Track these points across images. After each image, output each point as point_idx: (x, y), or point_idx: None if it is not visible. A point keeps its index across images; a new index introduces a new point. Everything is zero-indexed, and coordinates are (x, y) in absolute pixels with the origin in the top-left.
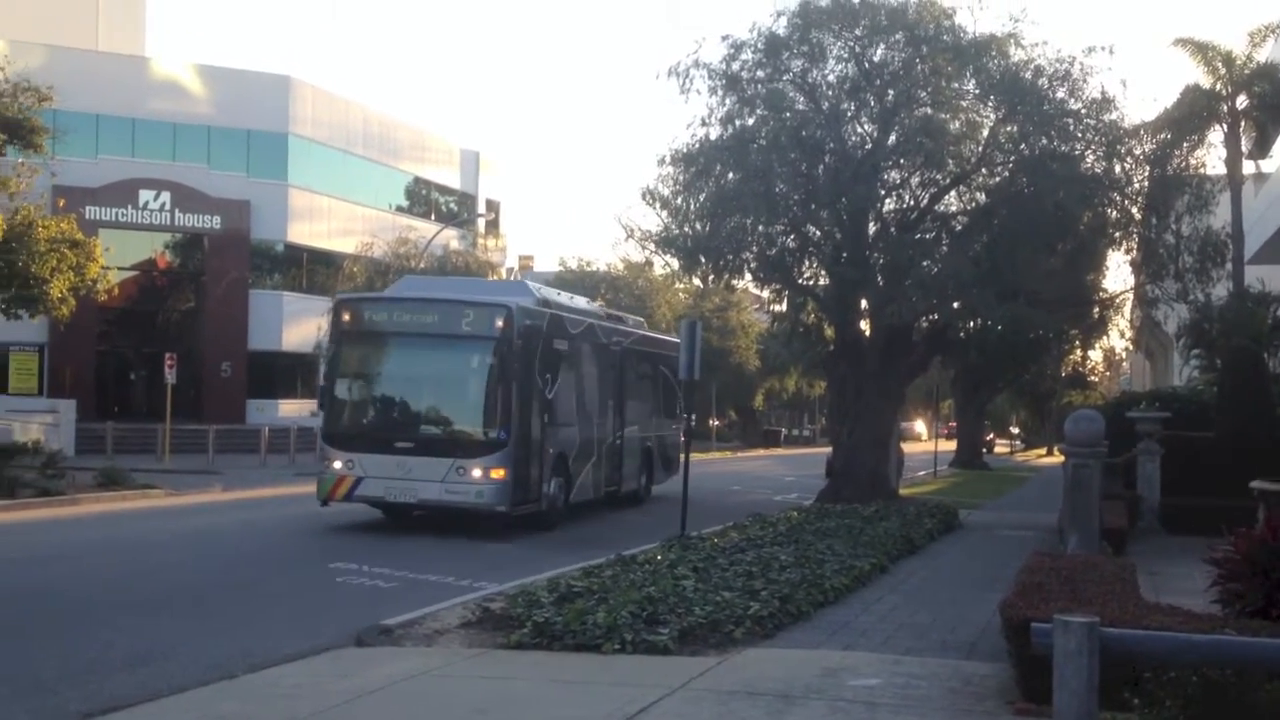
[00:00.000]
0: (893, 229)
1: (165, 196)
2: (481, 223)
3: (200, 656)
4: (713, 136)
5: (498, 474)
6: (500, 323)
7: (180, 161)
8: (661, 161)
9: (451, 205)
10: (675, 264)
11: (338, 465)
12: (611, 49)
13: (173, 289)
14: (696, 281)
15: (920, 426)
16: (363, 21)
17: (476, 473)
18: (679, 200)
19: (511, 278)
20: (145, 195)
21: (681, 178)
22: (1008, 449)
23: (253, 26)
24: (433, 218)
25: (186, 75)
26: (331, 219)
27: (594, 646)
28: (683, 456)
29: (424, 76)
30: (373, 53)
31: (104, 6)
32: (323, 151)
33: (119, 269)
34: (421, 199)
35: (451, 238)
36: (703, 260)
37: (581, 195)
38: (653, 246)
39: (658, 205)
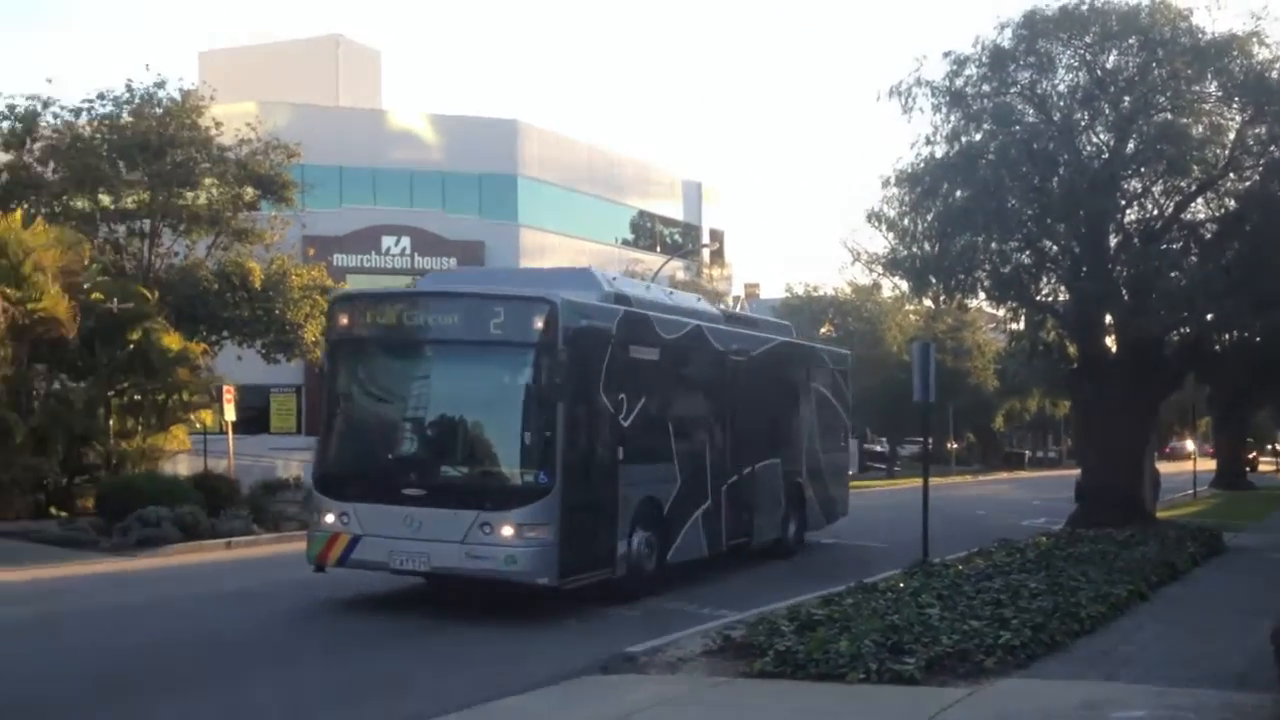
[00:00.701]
0: (1136, 240)
1: (405, 241)
2: (706, 253)
3: (456, 682)
4: (938, 154)
5: (537, 531)
6: (540, 323)
7: (417, 207)
8: (886, 183)
9: (676, 237)
10: (904, 286)
11: (330, 519)
12: (829, 73)
13: None
14: (927, 303)
15: (1191, 445)
16: (585, 60)
17: (507, 530)
18: (905, 221)
19: (737, 307)
20: (387, 241)
21: (907, 198)
22: (1273, 466)
23: (481, 73)
24: (658, 250)
25: (421, 125)
26: (560, 256)
27: (838, 676)
28: (922, 481)
29: (645, 110)
30: (595, 90)
31: (343, 65)
32: (550, 190)
33: None
34: (646, 232)
35: (677, 269)
36: (933, 281)
37: (805, 220)
38: (880, 269)
39: (884, 227)
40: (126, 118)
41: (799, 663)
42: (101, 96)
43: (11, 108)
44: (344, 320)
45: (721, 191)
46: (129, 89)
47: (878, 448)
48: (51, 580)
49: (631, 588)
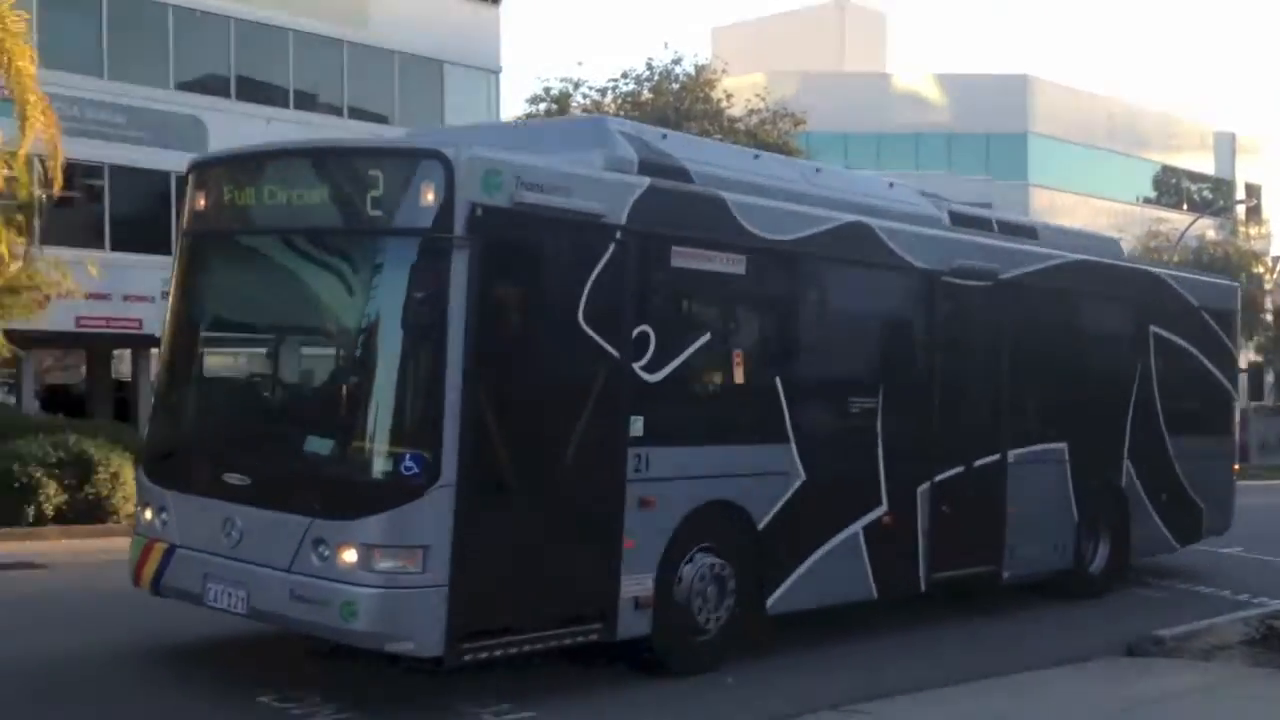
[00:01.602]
0: None
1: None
2: (1241, 209)
3: (977, 653)
4: None
5: (399, 558)
6: (428, 197)
7: (922, 170)
8: None
9: (1205, 193)
10: None
11: (148, 516)
12: None
13: None
14: None
15: None
16: (1098, 5)
17: (348, 554)
18: None
19: (1276, 269)
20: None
21: None
22: None
23: (988, 27)
24: (1184, 208)
25: (926, 86)
26: (1074, 216)
27: None
28: None
29: (1168, 56)
30: (1111, 37)
31: (849, 29)
32: (1063, 148)
33: None
34: (1170, 189)
35: (1207, 228)
36: None
37: None
38: None
39: None
40: (646, 94)
41: None
42: (624, 75)
43: (548, 90)
44: (200, 202)
45: (1259, 142)
46: (649, 67)
47: None
48: None
49: (676, 658)
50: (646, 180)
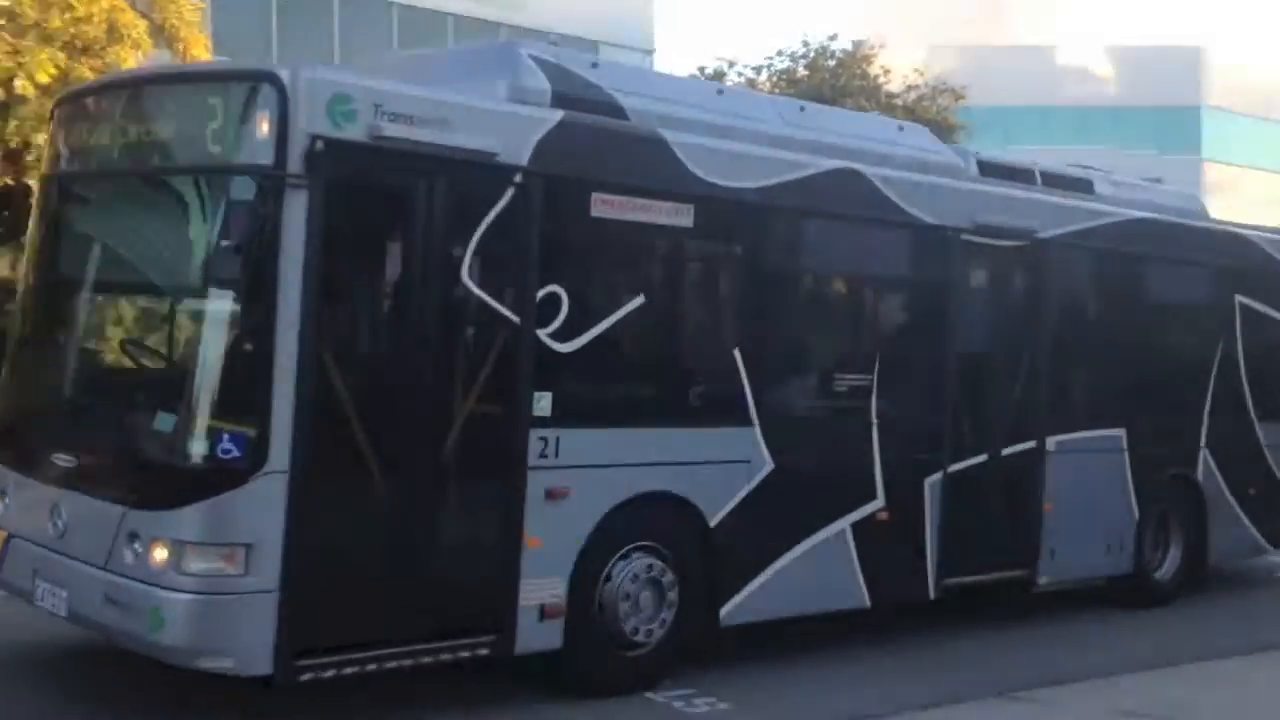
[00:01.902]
0: None
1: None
2: None
3: (1152, 644)
4: None
5: (210, 563)
6: (264, 127)
7: (1087, 145)
8: None
9: None
10: None
11: None
12: None
13: None
14: None
15: None
16: None
17: (160, 553)
18: None
19: None
20: None
21: None
22: None
23: None
24: None
25: (1094, 58)
26: (1248, 192)
27: None
28: None
29: None
30: None
31: (1010, 2)
32: (1240, 121)
33: None
34: None
35: None
36: None
37: None
38: None
39: None
40: (802, 72)
41: None
42: (780, 53)
43: (701, 69)
44: (57, 142)
45: None
46: (804, 44)
47: None
48: None
49: (595, 676)
50: (558, 114)
